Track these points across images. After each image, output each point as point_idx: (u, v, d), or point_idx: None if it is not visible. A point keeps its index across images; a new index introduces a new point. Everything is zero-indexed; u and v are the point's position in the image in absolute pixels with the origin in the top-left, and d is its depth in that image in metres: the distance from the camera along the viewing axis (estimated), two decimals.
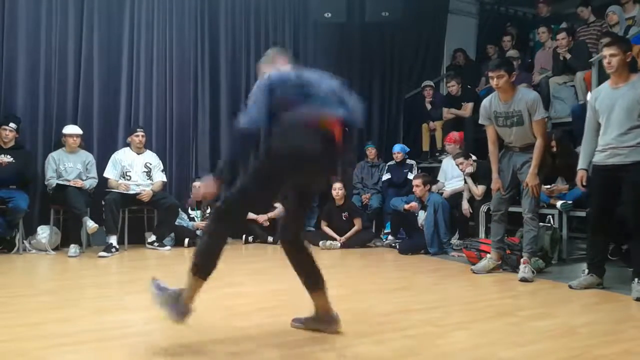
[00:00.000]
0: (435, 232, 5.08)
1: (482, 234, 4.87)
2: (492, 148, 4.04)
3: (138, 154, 5.43)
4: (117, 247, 4.95)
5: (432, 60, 7.59)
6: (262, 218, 5.80)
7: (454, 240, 5.36)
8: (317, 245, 5.51)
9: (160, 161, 5.60)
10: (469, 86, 6.61)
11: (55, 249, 5.01)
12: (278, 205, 6.02)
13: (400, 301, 3.16)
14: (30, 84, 5.22)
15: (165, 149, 5.92)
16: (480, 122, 4.11)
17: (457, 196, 5.47)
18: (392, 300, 3.18)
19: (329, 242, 5.51)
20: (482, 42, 7.64)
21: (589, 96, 3.90)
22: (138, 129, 5.45)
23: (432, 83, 7.03)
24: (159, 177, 5.49)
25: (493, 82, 3.83)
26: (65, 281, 3.80)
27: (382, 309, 2.95)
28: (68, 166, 5.11)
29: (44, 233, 4.98)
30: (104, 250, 4.80)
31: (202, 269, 2.18)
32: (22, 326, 2.52)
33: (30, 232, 5.01)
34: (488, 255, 4.13)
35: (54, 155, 5.13)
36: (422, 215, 5.29)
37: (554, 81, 5.66)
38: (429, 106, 6.92)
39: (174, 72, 5.98)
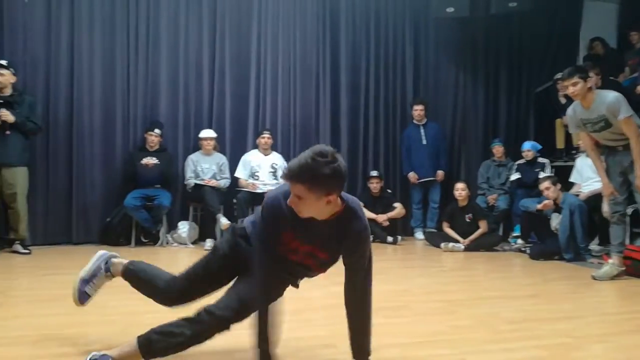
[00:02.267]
0: (571, 237, 4.68)
1: (626, 240, 4.40)
2: (592, 155, 3.90)
3: (265, 155, 5.74)
4: None
5: (566, 51, 7.01)
6: (381, 218, 5.80)
7: (593, 246, 4.91)
8: (439, 247, 5.38)
9: (285, 162, 5.86)
10: (611, 77, 5.99)
11: (194, 242, 5.48)
12: (397, 204, 6.00)
13: (530, 309, 2.97)
14: (172, 94, 5.76)
15: (290, 150, 6.17)
16: (570, 131, 3.96)
17: (595, 198, 4.98)
18: (520, 308, 3.00)
19: (451, 244, 5.35)
20: (624, 29, 6.88)
21: None
22: (265, 132, 5.75)
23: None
24: None
25: (569, 91, 3.70)
26: None
27: (510, 316, 2.80)
28: (204, 167, 5.55)
29: (184, 228, 5.46)
30: None
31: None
32: (152, 313, 2.78)
33: (172, 227, 5.52)
34: (610, 261, 3.84)
35: (192, 157, 5.60)
36: (555, 218, 4.91)
37: None
38: (563, 100, 6.40)
39: (297, 77, 6.22)
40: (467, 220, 5.49)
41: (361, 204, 1.86)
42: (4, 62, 4.65)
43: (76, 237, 5.32)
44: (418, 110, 6.25)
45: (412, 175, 6.26)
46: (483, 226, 5.43)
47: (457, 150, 6.80)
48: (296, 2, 6.20)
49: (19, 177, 4.66)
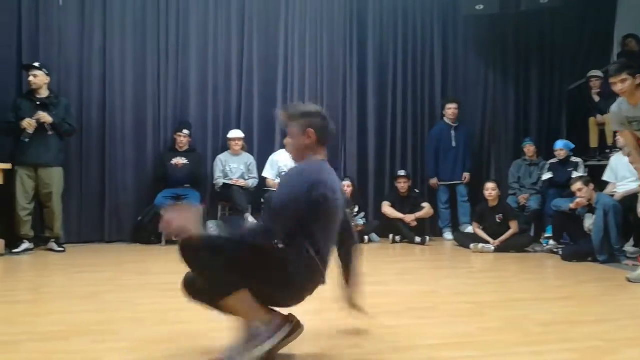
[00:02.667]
0: (605, 238, 4.55)
1: None
2: (635, 154, 3.76)
3: None
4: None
5: (599, 48, 6.83)
6: (409, 218, 5.76)
7: (628, 248, 4.77)
8: (468, 248, 5.30)
9: None
10: None
11: None
12: (426, 204, 5.94)
13: (562, 312, 2.90)
14: (201, 95, 5.85)
15: None
16: (613, 129, 3.79)
17: (630, 198, 4.83)
18: (552, 310, 2.93)
19: (481, 245, 5.26)
20: None
21: None
22: None
23: (599, 73, 6.32)
24: None
25: (617, 88, 3.56)
26: None
27: (540, 318, 2.74)
28: (233, 167, 5.61)
29: (212, 227, 5.53)
30: None
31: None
32: (186, 310, 2.82)
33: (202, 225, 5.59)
34: None
35: (221, 157, 5.67)
36: (589, 219, 4.79)
37: None
38: (596, 98, 6.24)
39: (324, 78, 6.23)
40: (498, 220, 5.40)
41: (326, 169, 2.19)
42: (36, 64, 4.79)
43: (108, 236, 5.45)
44: (452, 109, 6.17)
45: (434, 183, 6.21)
46: (514, 227, 5.34)
47: (486, 149, 6.70)
48: (323, 3, 6.22)
49: (55, 177, 4.80)
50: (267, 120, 6.04)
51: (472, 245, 5.28)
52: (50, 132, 4.70)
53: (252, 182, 5.63)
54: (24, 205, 4.70)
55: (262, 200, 5.42)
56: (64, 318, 2.60)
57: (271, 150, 5.91)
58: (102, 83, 5.48)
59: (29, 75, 4.73)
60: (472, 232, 5.56)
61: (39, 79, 4.74)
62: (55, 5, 5.28)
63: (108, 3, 5.46)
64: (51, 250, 4.82)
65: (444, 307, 2.96)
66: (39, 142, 4.67)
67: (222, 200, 5.60)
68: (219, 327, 2.35)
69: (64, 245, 4.91)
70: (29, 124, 4.56)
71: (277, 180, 5.61)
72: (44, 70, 4.78)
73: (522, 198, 5.93)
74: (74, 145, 5.32)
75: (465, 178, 6.17)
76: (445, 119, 6.26)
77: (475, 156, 6.46)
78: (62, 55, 5.30)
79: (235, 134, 5.66)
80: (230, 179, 5.51)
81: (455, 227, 6.23)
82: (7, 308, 2.90)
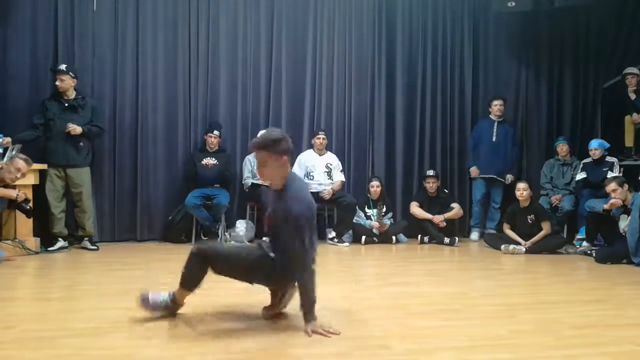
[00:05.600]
0: None
1: None
2: None
3: (320, 155, 5.77)
4: None
5: (636, 45, 6.62)
6: (438, 218, 5.70)
7: None
8: (499, 249, 5.22)
9: (339, 162, 5.88)
10: None
11: (251, 241, 5.58)
12: (455, 205, 5.87)
13: (595, 315, 2.84)
14: (230, 96, 5.91)
15: (344, 150, 6.18)
16: None
17: None
18: (585, 313, 2.87)
19: (512, 247, 5.17)
20: None
21: None
22: (320, 132, 5.79)
23: (636, 70, 6.13)
24: (339, 176, 5.77)
25: None
26: None
27: (573, 321, 2.68)
28: None
29: (241, 226, 5.58)
30: None
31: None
32: (216, 308, 2.86)
33: (231, 225, 5.66)
34: None
35: (250, 157, 5.71)
36: (624, 220, 4.65)
37: None
38: (632, 96, 6.06)
39: (352, 78, 6.22)
40: (529, 221, 5.30)
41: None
42: (62, 67, 4.90)
43: (140, 235, 5.56)
44: (498, 105, 6.10)
45: (473, 170, 6.13)
46: (546, 228, 5.23)
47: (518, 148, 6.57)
48: (352, 2, 6.21)
49: (84, 177, 4.96)
50: (295, 120, 6.06)
51: (502, 247, 5.20)
52: (81, 143, 4.87)
53: None
54: (56, 203, 4.85)
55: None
56: (98, 314, 2.67)
57: (299, 150, 5.93)
58: (135, 85, 5.59)
59: (56, 79, 4.85)
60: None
61: (65, 82, 4.86)
62: (89, 10, 5.41)
63: (140, 7, 5.57)
64: (85, 248, 4.94)
65: (474, 309, 2.92)
66: (67, 144, 4.82)
67: (251, 200, 5.65)
68: (250, 325, 2.38)
69: (97, 244, 5.04)
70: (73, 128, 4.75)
71: (305, 180, 5.62)
72: (70, 73, 4.90)
73: (555, 199, 5.80)
74: (107, 146, 5.45)
75: (507, 179, 6.08)
76: (491, 115, 6.17)
77: (516, 162, 6.34)
78: (96, 59, 5.43)
79: None
80: (259, 179, 5.54)
81: (484, 228, 6.14)
82: (42, 305, 2.99)
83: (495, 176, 6.08)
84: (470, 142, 6.30)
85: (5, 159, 4.33)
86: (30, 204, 4.39)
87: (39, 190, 4.78)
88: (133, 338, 2.30)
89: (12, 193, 4.21)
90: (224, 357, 2.11)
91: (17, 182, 4.36)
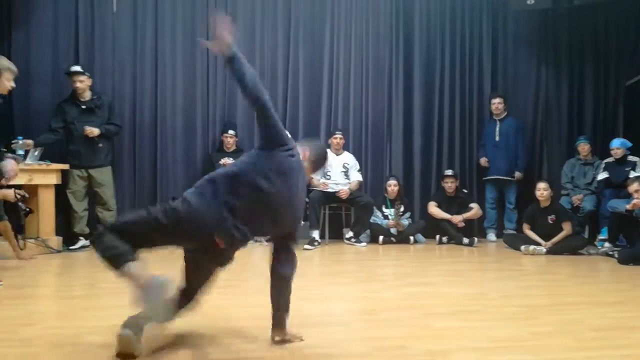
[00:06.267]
0: None
1: None
2: None
3: (337, 154, 5.77)
4: (319, 241, 5.33)
5: None
6: (456, 219, 5.66)
7: None
8: (519, 249, 5.16)
9: (356, 161, 5.86)
10: None
11: (268, 240, 5.57)
12: (474, 205, 5.82)
13: (617, 316, 2.79)
14: None
15: (361, 149, 6.17)
16: None
17: None
18: (606, 315, 2.82)
19: (532, 247, 5.11)
20: None
21: None
22: (337, 132, 5.79)
23: None
24: (356, 176, 5.76)
25: None
26: None
27: (595, 323, 2.64)
28: None
29: None
30: (308, 244, 5.22)
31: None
32: (239, 307, 2.88)
33: None
34: None
35: None
36: None
37: None
38: None
39: (369, 77, 6.20)
40: (550, 221, 5.22)
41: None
42: (78, 69, 4.98)
43: None
44: (496, 103, 6.02)
45: (483, 160, 6.09)
46: (567, 228, 5.15)
47: (538, 148, 6.49)
48: (369, 2, 6.19)
49: (106, 177, 5.06)
50: (312, 121, 6.07)
51: (522, 247, 5.14)
52: (100, 145, 4.96)
53: None
54: (78, 203, 4.95)
55: (307, 200, 5.45)
56: (119, 312, 2.68)
57: None
58: (154, 85, 5.65)
59: (74, 82, 4.92)
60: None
61: (84, 83, 4.96)
62: (109, 11, 5.49)
63: (159, 8, 5.63)
64: None
65: (494, 310, 2.90)
66: (88, 146, 4.93)
67: None
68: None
69: None
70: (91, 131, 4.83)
71: (322, 180, 5.63)
72: (86, 73, 4.99)
73: (576, 199, 5.72)
74: (127, 145, 5.52)
75: (516, 177, 6.00)
76: (492, 115, 6.12)
77: (526, 156, 6.25)
78: (117, 59, 5.50)
79: None
80: None
81: (500, 229, 6.07)
82: (64, 302, 3.04)
83: (504, 177, 6.01)
84: (481, 141, 6.26)
85: (27, 160, 4.41)
86: (28, 206, 4.19)
87: (61, 189, 4.86)
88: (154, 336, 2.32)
89: (8, 194, 3.92)
90: (254, 356, 2.12)
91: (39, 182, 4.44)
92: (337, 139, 5.74)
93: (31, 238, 4.55)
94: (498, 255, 5.22)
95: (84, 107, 4.94)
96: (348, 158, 5.82)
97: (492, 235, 6.06)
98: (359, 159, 5.98)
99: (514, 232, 5.85)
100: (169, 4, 5.66)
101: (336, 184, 5.61)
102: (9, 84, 3.43)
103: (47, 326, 2.46)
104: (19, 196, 3.98)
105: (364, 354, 2.16)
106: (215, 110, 5.84)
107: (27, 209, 4.21)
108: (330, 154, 5.76)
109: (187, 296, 2.25)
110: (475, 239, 5.59)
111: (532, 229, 5.31)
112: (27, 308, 2.82)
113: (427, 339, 2.34)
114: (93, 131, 4.87)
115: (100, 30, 5.45)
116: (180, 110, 5.73)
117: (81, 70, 4.95)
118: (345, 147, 5.91)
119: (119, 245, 1.96)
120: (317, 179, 5.66)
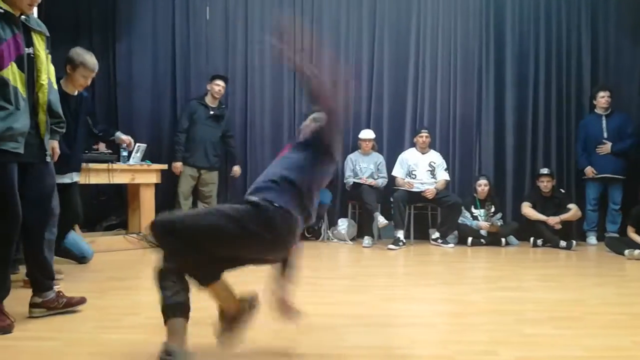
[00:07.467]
0: None
1: None
2: None
3: (422, 153, 5.67)
4: (404, 241, 5.27)
5: None
6: (553, 220, 5.35)
7: None
8: (622, 254, 4.78)
9: (443, 160, 5.73)
10: None
11: (352, 239, 5.64)
12: (572, 206, 5.47)
13: None
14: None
15: (449, 148, 6.02)
16: None
17: None
18: None
19: (637, 252, 4.71)
20: None
21: None
22: (422, 130, 5.69)
23: None
24: (443, 175, 5.62)
25: None
26: (360, 269, 4.23)
27: None
28: (362, 166, 5.68)
29: (343, 225, 5.66)
30: (392, 244, 5.18)
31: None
32: (324, 304, 2.93)
33: (333, 223, 5.76)
34: None
35: (351, 156, 5.77)
36: None
37: None
38: None
39: (457, 72, 6.04)
40: None
41: None
42: (223, 75, 5.43)
43: None
44: (605, 97, 5.61)
45: (589, 169, 5.66)
46: None
47: None
48: None
49: (215, 178, 5.47)
50: (397, 119, 6.02)
51: (626, 252, 4.76)
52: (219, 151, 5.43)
53: (381, 182, 5.64)
54: (184, 201, 5.31)
55: (392, 200, 5.42)
56: (212, 304, 2.84)
57: (400, 149, 5.87)
58: (244, 89, 5.89)
59: (216, 85, 5.27)
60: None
61: (221, 88, 5.32)
62: (203, 18, 5.80)
63: (249, 12, 5.86)
64: None
65: (592, 317, 2.72)
66: (209, 149, 5.32)
67: (352, 199, 5.70)
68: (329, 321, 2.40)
69: None
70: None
71: (407, 179, 5.57)
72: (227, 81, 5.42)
73: None
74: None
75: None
76: (597, 109, 5.70)
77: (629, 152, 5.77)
78: (210, 64, 5.80)
79: (367, 134, 5.72)
80: (360, 178, 5.58)
81: (601, 232, 5.65)
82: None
83: (610, 175, 5.57)
84: (579, 144, 5.79)
85: (130, 161, 4.76)
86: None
87: (161, 188, 5.19)
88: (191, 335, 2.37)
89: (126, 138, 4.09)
90: (332, 353, 2.15)
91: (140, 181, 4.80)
92: (423, 137, 5.64)
93: (133, 233, 4.92)
94: (598, 259, 4.87)
95: (212, 112, 5.31)
96: (435, 157, 5.70)
97: (592, 239, 5.67)
98: (446, 157, 5.84)
99: (617, 235, 5.43)
100: (258, 7, 5.87)
101: (422, 183, 5.52)
102: (83, 80, 3.26)
103: (150, 316, 2.62)
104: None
105: (447, 357, 2.11)
106: (301, 110, 5.94)
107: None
108: (415, 152, 5.70)
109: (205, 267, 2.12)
110: (574, 242, 5.26)
111: (638, 232, 4.91)
112: (132, 298, 3.05)
113: (516, 346, 2.25)
114: (236, 173, 5.49)
115: (194, 38, 5.78)
116: (269, 112, 5.93)
117: (225, 76, 5.38)
118: (432, 146, 5.80)
119: (173, 295, 1.99)
120: (402, 178, 5.60)
